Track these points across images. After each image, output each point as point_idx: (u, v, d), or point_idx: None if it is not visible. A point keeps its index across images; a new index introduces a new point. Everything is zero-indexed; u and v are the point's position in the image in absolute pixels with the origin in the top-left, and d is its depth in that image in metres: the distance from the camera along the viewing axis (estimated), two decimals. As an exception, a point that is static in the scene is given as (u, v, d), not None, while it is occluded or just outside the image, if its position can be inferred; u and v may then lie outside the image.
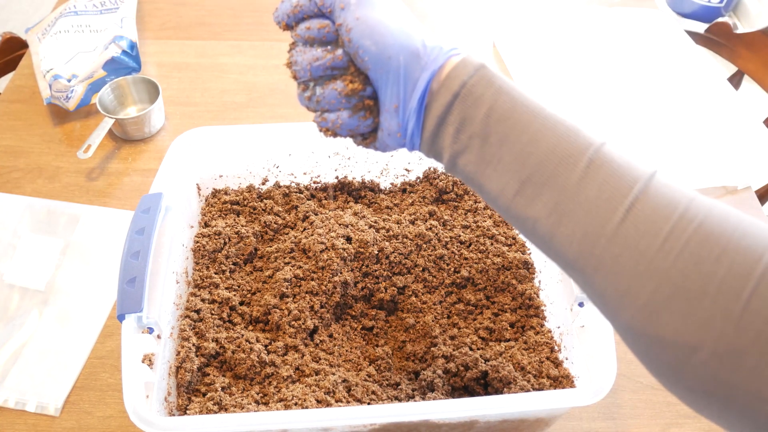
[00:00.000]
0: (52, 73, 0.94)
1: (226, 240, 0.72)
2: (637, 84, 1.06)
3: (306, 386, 0.59)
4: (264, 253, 0.73)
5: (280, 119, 0.98)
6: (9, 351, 0.70)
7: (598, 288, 0.37)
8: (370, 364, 0.65)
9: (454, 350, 0.65)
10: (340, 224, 0.72)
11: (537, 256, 0.72)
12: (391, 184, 0.82)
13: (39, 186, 0.88)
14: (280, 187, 0.80)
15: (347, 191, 0.80)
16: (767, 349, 0.31)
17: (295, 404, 0.57)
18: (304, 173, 0.80)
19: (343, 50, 0.43)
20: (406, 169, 0.81)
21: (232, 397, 0.59)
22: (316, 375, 0.61)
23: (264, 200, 0.78)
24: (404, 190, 0.81)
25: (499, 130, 0.40)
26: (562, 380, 0.62)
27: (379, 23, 0.41)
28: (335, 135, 0.46)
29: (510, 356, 0.64)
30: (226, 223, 0.74)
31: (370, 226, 0.73)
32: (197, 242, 0.71)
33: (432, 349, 0.65)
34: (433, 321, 0.68)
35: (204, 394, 0.60)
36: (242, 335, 0.64)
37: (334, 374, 0.61)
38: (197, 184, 0.77)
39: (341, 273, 0.68)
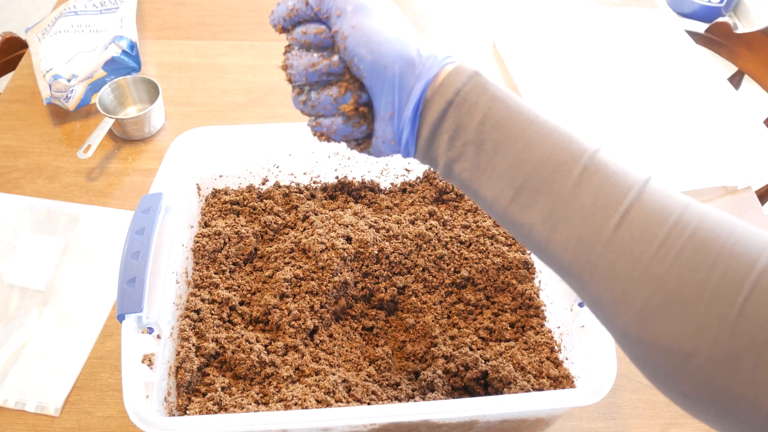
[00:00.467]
0: (52, 73, 0.94)
1: (226, 240, 0.72)
2: (637, 84, 1.06)
3: (306, 386, 0.59)
4: (264, 253, 0.73)
5: (280, 119, 0.98)
6: (9, 351, 0.70)
7: (594, 294, 0.38)
8: (370, 364, 0.65)
9: (454, 350, 0.65)
10: (340, 224, 0.72)
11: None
12: (391, 184, 0.82)
13: (39, 186, 0.88)
14: (280, 187, 0.80)
15: (347, 191, 0.80)
16: (762, 354, 0.31)
17: (295, 404, 0.57)
18: (304, 173, 0.80)
19: (339, 57, 0.43)
20: (406, 169, 0.81)
21: (232, 397, 0.59)
22: (316, 375, 0.61)
23: (264, 200, 0.78)
24: (404, 190, 0.81)
25: (493, 138, 0.40)
26: (562, 380, 0.62)
27: (375, 32, 0.41)
28: (329, 140, 0.46)
29: (510, 356, 0.64)
30: (226, 223, 0.74)
31: (370, 226, 0.73)
32: (197, 242, 0.71)
33: (432, 349, 0.65)
34: (433, 321, 0.68)
35: (204, 394, 0.60)
36: (242, 335, 0.64)
37: (334, 374, 0.61)
38: (197, 184, 0.77)
39: (341, 273, 0.68)
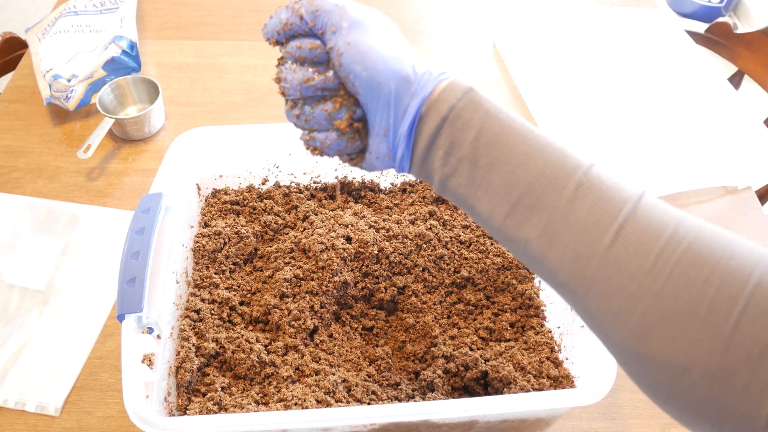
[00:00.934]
0: (52, 73, 0.94)
1: (226, 240, 0.72)
2: (637, 84, 1.06)
3: (306, 386, 0.59)
4: (264, 253, 0.73)
5: (280, 119, 0.97)
6: (9, 351, 0.70)
7: (590, 309, 0.38)
8: (370, 364, 0.65)
9: (454, 350, 0.65)
10: (340, 224, 0.72)
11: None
12: (391, 184, 0.82)
13: (39, 186, 0.88)
14: (280, 187, 0.80)
15: (347, 191, 0.80)
16: (757, 369, 0.31)
17: (295, 404, 0.57)
18: (304, 173, 0.80)
19: (334, 72, 0.43)
20: (406, 169, 0.81)
21: (232, 397, 0.59)
22: (316, 375, 0.61)
23: (264, 200, 0.78)
24: (404, 190, 0.81)
25: (488, 153, 0.40)
26: (562, 380, 0.62)
27: (370, 48, 0.41)
28: (322, 154, 0.46)
29: (510, 356, 0.64)
30: (226, 223, 0.74)
31: (370, 226, 0.73)
32: (197, 242, 0.71)
33: (432, 349, 0.65)
34: (433, 321, 0.68)
35: (204, 394, 0.60)
36: (242, 335, 0.64)
37: (334, 374, 0.61)
38: (197, 184, 0.77)
39: (341, 273, 0.68)
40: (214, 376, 0.61)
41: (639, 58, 1.11)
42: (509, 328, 0.67)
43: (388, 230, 0.73)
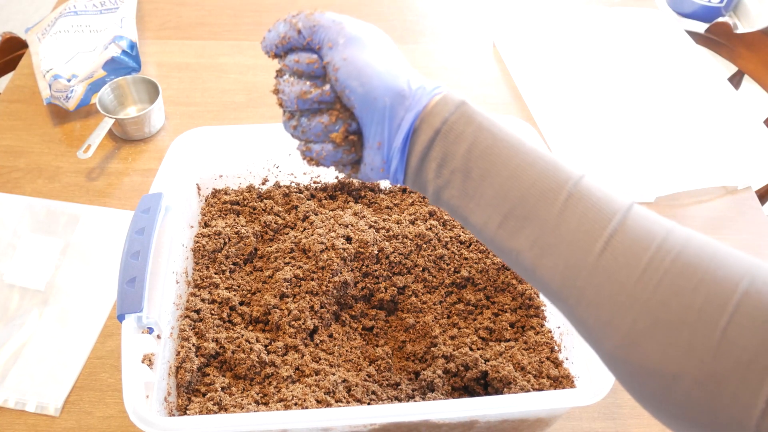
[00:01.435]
0: (52, 73, 0.94)
1: (226, 240, 0.72)
2: (637, 84, 1.06)
3: (306, 386, 0.59)
4: (264, 253, 0.73)
5: (279, 119, 0.97)
6: (9, 351, 0.70)
7: (582, 318, 0.38)
8: (370, 364, 0.65)
9: (454, 350, 0.65)
10: (340, 224, 0.72)
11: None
12: (391, 184, 0.82)
13: (39, 186, 0.88)
14: (280, 187, 0.80)
15: (347, 191, 0.80)
16: (746, 376, 0.32)
17: (295, 404, 0.57)
18: (304, 173, 0.80)
19: (331, 86, 0.44)
20: (406, 169, 0.81)
21: (232, 397, 0.59)
22: (316, 375, 0.61)
23: (264, 200, 0.78)
24: (404, 190, 0.81)
25: (480, 166, 0.41)
26: (562, 380, 0.62)
27: (366, 64, 0.42)
28: (318, 164, 0.47)
29: (510, 356, 0.64)
30: (226, 223, 0.74)
31: (370, 226, 0.73)
32: (197, 242, 0.71)
33: (432, 349, 0.65)
34: (433, 321, 0.68)
35: (204, 394, 0.60)
36: (242, 335, 0.64)
37: (334, 374, 0.61)
38: (197, 184, 0.77)
39: (341, 273, 0.68)
40: (214, 376, 0.61)
41: (639, 58, 1.11)
42: (509, 328, 0.67)
43: (388, 230, 0.73)
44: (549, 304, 0.68)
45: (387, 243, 0.71)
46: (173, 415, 0.58)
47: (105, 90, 0.95)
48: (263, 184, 0.80)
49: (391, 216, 0.76)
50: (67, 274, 0.77)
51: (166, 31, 1.15)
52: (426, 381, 0.62)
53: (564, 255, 0.38)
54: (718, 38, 1.22)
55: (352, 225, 0.72)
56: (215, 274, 0.70)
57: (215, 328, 0.65)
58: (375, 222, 0.73)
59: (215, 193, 0.79)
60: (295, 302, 0.66)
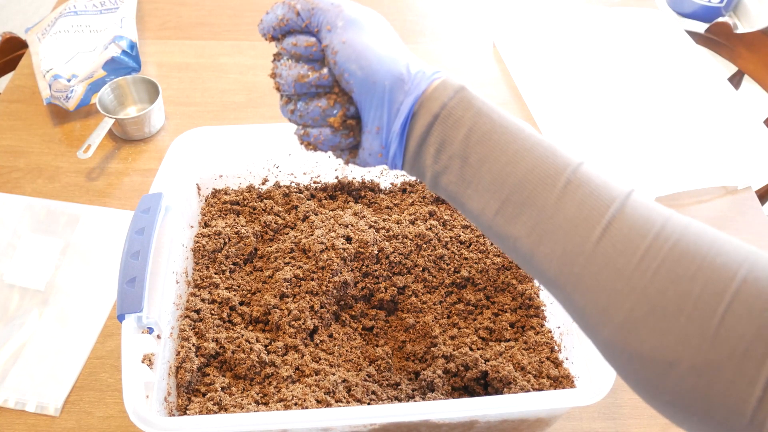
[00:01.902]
0: (52, 73, 0.94)
1: (226, 240, 0.72)
2: (637, 84, 1.06)
3: (306, 386, 0.59)
4: (264, 253, 0.73)
5: (280, 119, 0.97)
6: (9, 351, 0.70)
7: (578, 305, 0.38)
8: (370, 364, 0.65)
9: (454, 350, 0.65)
10: (340, 224, 0.72)
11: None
12: (391, 184, 0.82)
13: (39, 186, 0.88)
14: (280, 187, 0.80)
15: (347, 191, 0.80)
16: (742, 364, 0.32)
17: (295, 404, 0.57)
18: (304, 173, 0.80)
19: (329, 70, 0.43)
20: (406, 169, 0.81)
21: (232, 397, 0.59)
22: (316, 375, 0.61)
23: (264, 200, 0.78)
24: (404, 190, 0.81)
25: (478, 151, 0.41)
26: (562, 380, 0.62)
27: (366, 48, 0.42)
28: (316, 149, 0.47)
29: (510, 356, 0.64)
30: (226, 223, 0.74)
31: (370, 226, 0.73)
32: (197, 242, 0.71)
33: (432, 349, 0.65)
34: (433, 321, 0.68)
35: (204, 394, 0.60)
36: (242, 335, 0.64)
37: (334, 374, 0.61)
38: (197, 184, 0.77)
39: (341, 273, 0.68)
40: (214, 376, 0.61)
41: (639, 58, 1.11)
42: (509, 328, 0.67)
43: (388, 230, 0.73)
44: (549, 304, 0.68)
45: (387, 243, 0.71)
46: (173, 415, 0.58)
47: (105, 90, 0.95)
48: (263, 184, 0.80)
49: (391, 216, 0.76)
50: (67, 274, 0.77)
51: (166, 31, 1.15)
52: (426, 381, 0.62)
53: (562, 241, 0.38)
54: (718, 38, 1.22)
55: (352, 225, 0.72)
56: (215, 274, 0.70)
57: (215, 328, 0.65)
58: (375, 222, 0.73)
59: (215, 193, 0.79)
60: (295, 302, 0.66)
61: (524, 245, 0.40)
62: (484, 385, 0.63)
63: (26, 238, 0.80)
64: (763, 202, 1.03)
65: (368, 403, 0.59)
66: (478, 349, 0.66)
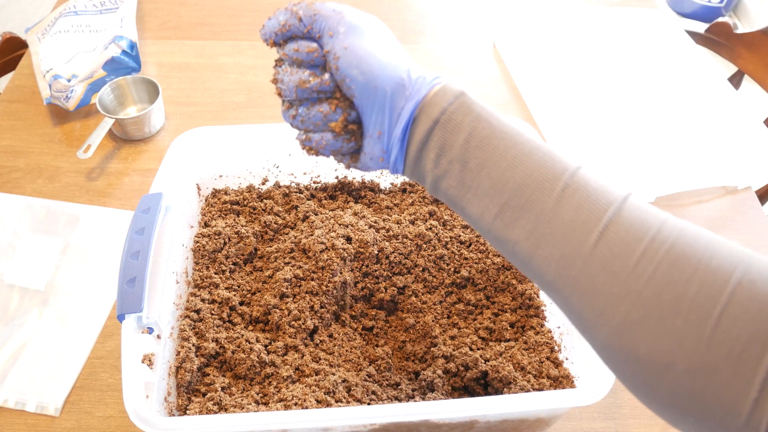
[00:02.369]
0: (52, 73, 0.94)
1: (226, 240, 0.72)
2: (637, 84, 1.06)
3: (306, 386, 0.59)
4: (264, 253, 0.73)
5: (280, 119, 0.97)
6: (9, 351, 0.70)
7: (576, 308, 0.39)
8: (370, 364, 0.65)
9: (454, 350, 0.65)
10: (340, 224, 0.72)
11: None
12: (391, 184, 0.82)
13: (39, 186, 0.88)
14: (280, 187, 0.80)
15: (347, 191, 0.80)
16: (738, 366, 0.32)
17: (295, 404, 0.57)
18: (304, 173, 0.80)
19: (330, 75, 0.44)
20: (406, 169, 0.81)
21: (232, 397, 0.59)
22: (316, 375, 0.61)
23: (264, 200, 0.78)
24: (404, 190, 0.81)
25: (477, 156, 0.41)
26: (562, 380, 0.62)
27: (367, 53, 0.42)
28: (318, 154, 0.47)
29: (510, 356, 0.64)
30: (226, 223, 0.74)
31: (370, 226, 0.73)
32: (197, 242, 0.71)
33: (432, 349, 0.65)
34: (433, 321, 0.68)
35: (204, 394, 0.60)
36: (242, 335, 0.64)
37: (334, 374, 0.61)
38: (197, 184, 0.77)
39: (341, 273, 0.68)
40: (214, 376, 0.61)
41: (639, 58, 1.11)
42: (509, 328, 0.67)
43: (388, 230, 0.73)
44: (549, 304, 0.68)
45: (387, 243, 0.71)
46: (173, 415, 0.58)
47: (105, 90, 0.95)
48: (263, 184, 0.80)
49: (391, 216, 0.76)
50: (67, 274, 0.77)
51: (166, 31, 1.15)
52: (426, 381, 0.62)
53: (559, 245, 0.38)
54: (718, 38, 1.22)
55: (352, 225, 0.72)
56: (215, 274, 0.70)
57: (215, 328, 0.65)
58: (375, 222, 0.73)
59: (215, 193, 0.79)
60: (295, 302, 0.66)
61: (523, 249, 0.40)
62: (484, 385, 0.63)
63: (26, 238, 0.80)
64: (763, 202, 1.03)
65: (368, 403, 0.59)
66: (478, 349, 0.66)
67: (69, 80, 0.94)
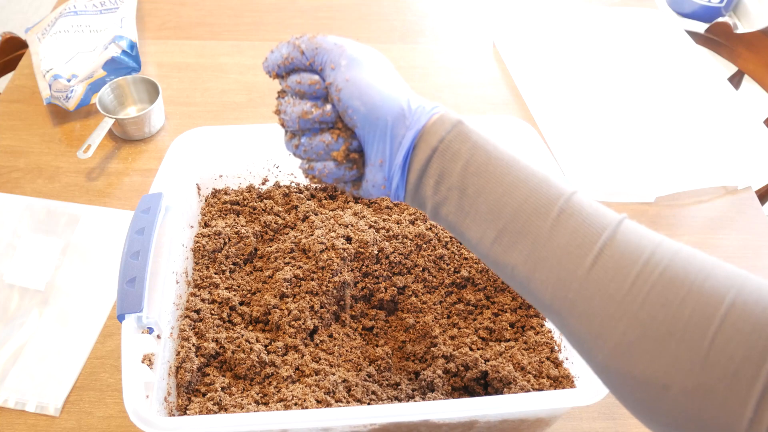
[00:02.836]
0: (52, 73, 0.94)
1: (226, 240, 0.72)
2: (637, 84, 1.06)
3: (306, 386, 0.59)
4: (264, 253, 0.73)
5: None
6: (9, 351, 0.70)
7: (573, 330, 0.39)
8: (370, 364, 0.65)
9: (454, 350, 0.65)
10: (340, 224, 0.72)
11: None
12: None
13: (39, 186, 0.88)
14: (280, 187, 0.80)
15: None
16: (733, 385, 0.33)
17: (295, 404, 0.57)
18: (304, 173, 0.80)
19: (332, 106, 0.45)
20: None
21: (232, 397, 0.59)
22: (316, 375, 0.61)
23: (264, 200, 0.78)
24: (404, 190, 0.81)
25: (475, 183, 0.42)
26: (562, 380, 0.62)
27: (368, 85, 0.44)
28: (321, 182, 0.48)
29: (510, 356, 0.64)
30: (226, 223, 0.74)
31: (370, 226, 0.73)
32: (197, 242, 0.71)
33: (432, 349, 0.65)
34: (433, 321, 0.68)
35: (204, 395, 0.60)
36: (242, 335, 0.64)
37: (334, 374, 0.61)
38: (197, 184, 0.77)
39: (341, 273, 0.68)
40: (214, 376, 0.61)
41: (639, 58, 1.11)
42: (509, 328, 0.67)
43: (388, 230, 0.73)
44: (549, 304, 0.68)
45: (387, 243, 0.71)
46: (173, 415, 0.58)
47: (105, 90, 0.95)
48: (263, 184, 0.80)
49: (391, 216, 0.76)
50: (67, 274, 0.77)
51: (166, 31, 1.15)
52: (426, 381, 0.62)
53: (556, 268, 0.39)
54: (718, 38, 1.22)
55: (352, 225, 0.72)
56: (215, 274, 0.70)
57: (215, 328, 0.65)
58: (375, 222, 0.73)
59: (215, 193, 0.79)
60: (295, 302, 0.66)
61: (521, 273, 0.41)
62: (484, 385, 0.63)
63: (26, 238, 0.80)
64: (763, 202, 1.03)
65: (368, 403, 0.59)
66: (478, 349, 0.66)
67: (69, 80, 0.94)
